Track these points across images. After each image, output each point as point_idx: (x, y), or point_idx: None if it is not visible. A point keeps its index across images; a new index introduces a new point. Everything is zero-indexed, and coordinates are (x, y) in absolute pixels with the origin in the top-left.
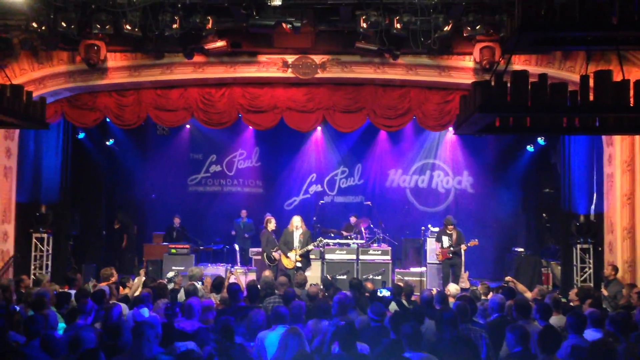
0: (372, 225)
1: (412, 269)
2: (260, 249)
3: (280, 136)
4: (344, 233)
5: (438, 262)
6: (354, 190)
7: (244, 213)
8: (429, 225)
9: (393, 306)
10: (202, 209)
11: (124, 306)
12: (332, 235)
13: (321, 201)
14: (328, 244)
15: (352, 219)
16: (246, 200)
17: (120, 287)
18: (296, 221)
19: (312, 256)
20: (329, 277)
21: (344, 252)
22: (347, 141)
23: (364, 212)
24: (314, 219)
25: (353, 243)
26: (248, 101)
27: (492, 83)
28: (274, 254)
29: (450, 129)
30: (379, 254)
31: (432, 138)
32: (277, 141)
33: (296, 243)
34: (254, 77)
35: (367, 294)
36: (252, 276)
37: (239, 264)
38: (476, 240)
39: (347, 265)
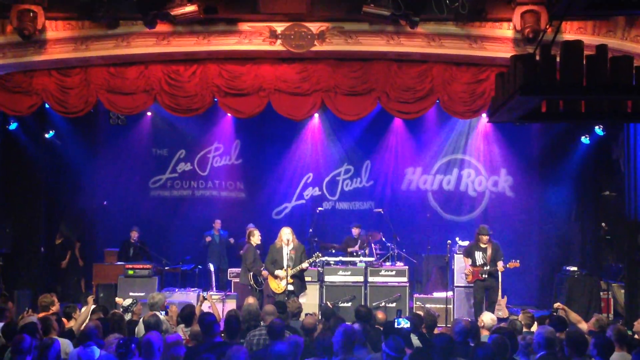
0: (384, 239)
1: (436, 294)
2: (241, 269)
3: (267, 126)
4: (349, 249)
5: (468, 284)
6: (361, 194)
7: (218, 224)
8: (457, 239)
9: (414, 341)
10: (168, 219)
11: (66, 343)
12: (333, 251)
13: (319, 208)
14: (328, 263)
15: (358, 231)
16: (224, 207)
17: (63, 319)
18: (285, 234)
19: (307, 278)
20: (329, 304)
21: (349, 272)
22: (353, 132)
23: (374, 222)
24: (310, 231)
25: (360, 261)
26: (226, 81)
27: (537, 57)
28: (263, 272)
29: (484, 115)
30: (393, 275)
31: (460, 128)
32: (263, 132)
33: (285, 261)
34: (233, 50)
35: (378, 326)
36: (232, 304)
37: (214, 288)
38: (517, 261)
39: (352, 289)
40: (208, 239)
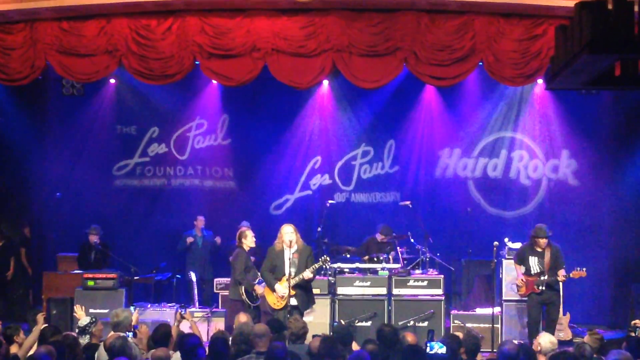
0: (412, 240)
1: (479, 310)
2: (231, 280)
3: (263, 97)
4: (367, 255)
5: (521, 298)
6: (383, 183)
7: (200, 221)
8: (506, 240)
9: None
10: (137, 216)
11: None
12: (348, 255)
13: (330, 201)
14: (341, 271)
15: (381, 231)
16: (208, 200)
17: (4, 342)
18: (287, 233)
19: (315, 289)
20: (342, 322)
21: (368, 283)
22: (372, 104)
23: (400, 219)
24: (319, 230)
25: (382, 269)
26: (210, 39)
27: (609, 5)
28: (255, 287)
29: (540, 81)
30: (424, 287)
31: (510, 98)
32: (258, 105)
33: (287, 268)
34: None
35: (406, 351)
36: (219, 324)
37: (196, 304)
38: (583, 269)
39: (372, 304)
40: (189, 240)
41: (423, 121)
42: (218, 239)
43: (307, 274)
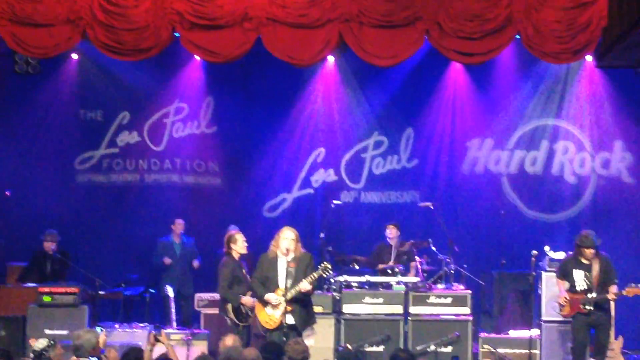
0: (434, 248)
1: (513, 333)
2: (217, 295)
3: (256, 76)
4: (380, 265)
5: (564, 319)
6: (399, 180)
7: (179, 226)
8: (547, 249)
9: None
10: (103, 219)
11: None
12: (357, 267)
13: (335, 201)
14: (348, 285)
15: (395, 232)
16: (189, 200)
17: None
18: (286, 238)
19: (317, 307)
20: (349, 347)
21: (380, 299)
22: (387, 85)
23: (420, 223)
24: (322, 236)
25: (398, 283)
26: (193, 6)
27: None
28: (243, 300)
29: (590, 58)
30: (448, 304)
31: (552, 78)
32: (250, 86)
33: (283, 279)
34: None
35: None
36: (201, 347)
37: (173, 323)
38: (639, 285)
39: (385, 325)
40: (167, 262)
41: (448, 106)
42: (196, 264)
43: (304, 285)
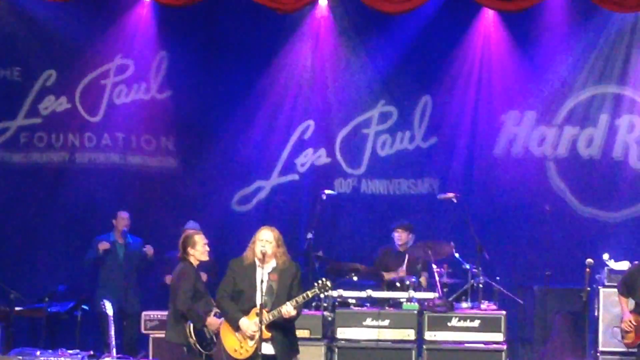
0: (457, 255)
1: None
2: (169, 312)
3: (225, 24)
4: (387, 275)
5: (628, 349)
6: (412, 163)
7: (122, 220)
8: (606, 257)
9: None
10: (22, 212)
11: None
12: (355, 278)
13: (328, 191)
14: (345, 302)
15: (406, 237)
16: (135, 187)
17: None
18: (263, 240)
19: (302, 331)
20: None
21: (386, 321)
22: (398, 39)
23: (439, 222)
24: (309, 237)
25: (409, 300)
26: None
27: None
28: (209, 321)
29: None
30: (475, 329)
31: (615, 32)
32: (217, 37)
33: (260, 295)
34: None
35: None
36: None
37: (113, 350)
38: None
39: (393, 355)
40: (103, 246)
41: (477, 68)
42: (149, 249)
43: (288, 308)
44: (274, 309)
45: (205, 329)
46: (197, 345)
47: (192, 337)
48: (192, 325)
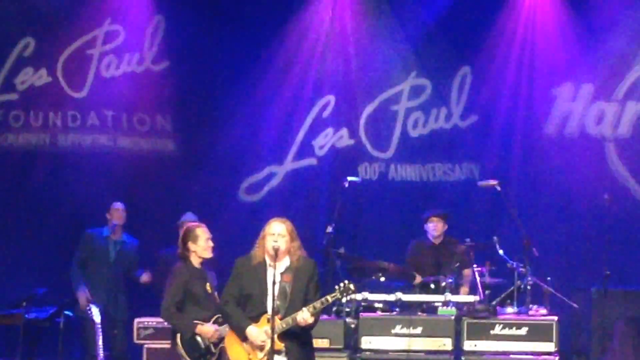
0: (501, 252)
1: None
2: (166, 319)
3: None
4: (418, 276)
5: None
6: (448, 146)
7: (118, 213)
8: None
9: None
10: None
11: None
12: (383, 279)
13: (351, 178)
14: (370, 306)
15: (441, 227)
16: (127, 173)
17: None
18: (274, 235)
19: (321, 340)
20: None
21: (418, 329)
22: (431, 2)
23: (481, 212)
24: (329, 230)
25: (446, 304)
26: None
27: None
28: (199, 329)
29: None
30: (523, 337)
31: None
32: (221, 2)
33: (271, 299)
34: None
35: None
36: None
37: None
38: None
39: None
40: (95, 242)
41: (523, 34)
42: (146, 277)
43: (305, 315)
44: (287, 316)
45: (197, 338)
46: (187, 357)
47: (180, 348)
48: (178, 335)
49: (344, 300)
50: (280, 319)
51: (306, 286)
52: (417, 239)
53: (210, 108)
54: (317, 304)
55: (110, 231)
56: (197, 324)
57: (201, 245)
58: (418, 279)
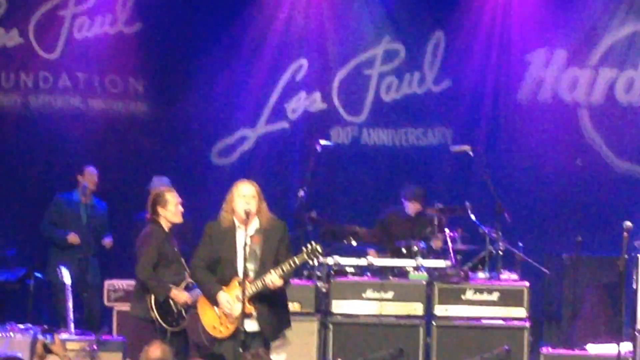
0: (473, 217)
1: (593, 348)
2: (135, 286)
3: None
4: (372, 252)
5: None
6: (422, 110)
7: (90, 177)
8: None
9: None
10: None
11: None
12: (354, 243)
13: (323, 142)
14: (341, 271)
15: (417, 208)
16: (99, 136)
17: None
18: (243, 197)
19: (293, 305)
20: None
21: (390, 294)
22: None
23: (453, 178)
24: (301, 194)
25: (417, 268)
26: None
27: None
28: (174, 293)
29: None
30: (494, 303)
31: None
32: None
33: (241, 262)
34: None
35: None
36: None
37: (71, 326)
38: None
39: (397, 333)
40: (65, 207)
41: (497, 1)
42: (108, 242)
43: (273, 277)
44: (258, 278)
45: (170, 301)
46: (160, 321)
47: (153, 311)
48: (153, 297)
49: (311, 262)
50: (251, 282)
51: (277, 248)
52: (393, 209)
53: (182, 71)
54: (285, 266)
55: (80, 195)
56: (172, 287)
57: (171, 210)
58: (372, 253)
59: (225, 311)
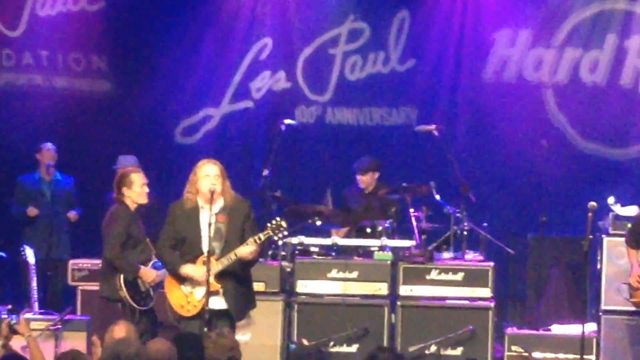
0: (437, 197)
1: (557, 329)
2: (102, 264)
3: None
4: (335, 232)
5: (636, 308)
6: (386, 90)
7: (48, 154)
8: (611, 200)
9: None
10: None
11: None
12: (318, 222)
13: (287, 121)
14: (305, 250)
15: (370, 178)
16: (62, 114)
17: None
18: (207, 177)
19: (258, 284)
20: (305, 344)
21: (354, 273)
22: None
23: (418, 157)
24: (266, 173)
25: (382, 248)
26: None
27: None
28: (143, 271)
29: None
30: (458, 283)
31: None
32: None
33: (207, 241)
34: None
35: None
36: (78, 341)
37: (35, 305)
38: None
39: (361, 313)
40: (28, 188)
41: None
42: (73, 215)
43: (244, 250)
44: (223, 256)
45: (138, 280)
46: (129, 300)
47: (122, 290)
48: (122, 276)
49: (276, 238)
50: (216, 260)
51: (242, 226)
52: (347, 188)
53: (146, 49)
54: (250, 241)
55: (42, 172)
56: (140, 266)
57: (136, 191)
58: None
59: (197, 279)
